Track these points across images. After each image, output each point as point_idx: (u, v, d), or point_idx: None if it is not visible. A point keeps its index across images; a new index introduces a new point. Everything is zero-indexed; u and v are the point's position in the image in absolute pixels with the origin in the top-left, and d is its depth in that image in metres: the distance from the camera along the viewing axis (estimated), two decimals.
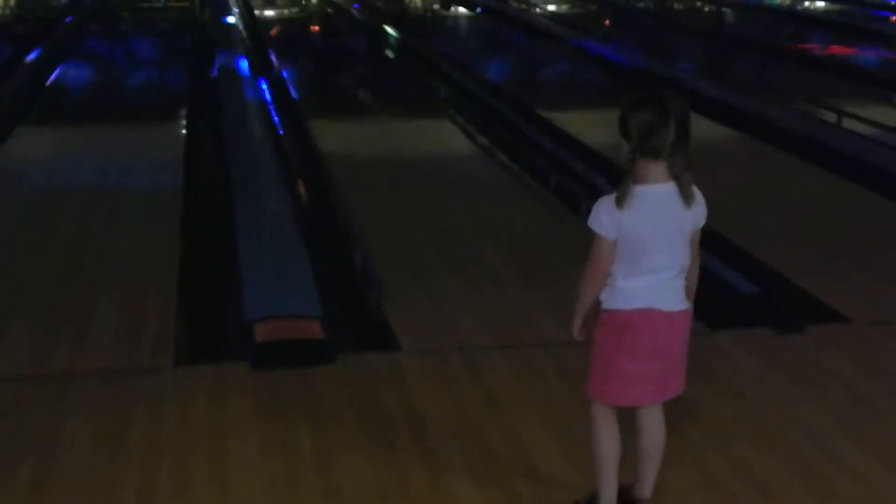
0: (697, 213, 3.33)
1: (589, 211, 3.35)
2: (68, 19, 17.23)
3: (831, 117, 9.54)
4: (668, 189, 3.26)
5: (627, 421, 3.51)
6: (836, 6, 19.91)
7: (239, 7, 18.36)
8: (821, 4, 20.63)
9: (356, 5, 17.69)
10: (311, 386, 4.58)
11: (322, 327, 5.01)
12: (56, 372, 4.78)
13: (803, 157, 8.46)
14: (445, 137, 9.52)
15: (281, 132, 9.46)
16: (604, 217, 3.26)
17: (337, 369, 4.74)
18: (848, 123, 9.32)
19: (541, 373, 4.70)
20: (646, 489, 3.63)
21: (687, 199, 3.27)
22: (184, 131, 9.75)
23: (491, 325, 5.29)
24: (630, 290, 3.32)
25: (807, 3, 20.91)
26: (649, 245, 3.27)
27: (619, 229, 3.25)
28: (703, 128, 9.87)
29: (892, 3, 18.67)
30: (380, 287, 5.64)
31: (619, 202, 3.23)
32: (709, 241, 6.08)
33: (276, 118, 10.05)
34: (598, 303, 3.40)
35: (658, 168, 3.23)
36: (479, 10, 16.73)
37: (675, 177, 3.25)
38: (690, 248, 3.39)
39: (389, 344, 5.12)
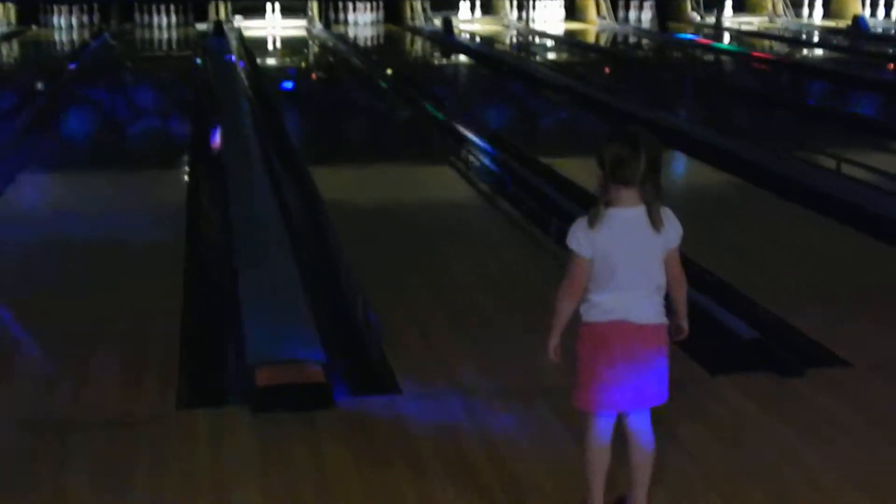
0: (668, 236, 3.55)
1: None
2: (72, 66, 17.38)
3: (830, 164, 9.59)
4: (637, 213, 3.49)
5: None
6: (834, 55, 20.06)
7: (241, 56, 18.52)
8: (819, 52, 20.78)
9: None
10: (312, 430, 4.58)
11: (323, 372, 5.02)
12: (57, 419, 4.77)
13: (803, 204, 8.51)
14: (445, 185, 9.57)
15: (282, 179, 9.50)
16: (580, 236, 3.52)
17: (337, 413, 4.75)
18: (847, 169, 9.36)
19: (539, 415, 4.71)
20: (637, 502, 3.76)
21: (656, 224, 3.50)
22: (186, 178, 9.80)
23: (489, 371, 5.30)
24: (604, 305, 3.56)
25: (805, 52, 21.07)
26: (620, 263, 3.51)
27: (593, 248, 3.51)
28: (703, 174, 9.97)
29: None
30: (380, 333, 5.65)
31: (591, 223, 3.51)
32: (708, 286, 6.23)
33: (277, 165, 10.10)
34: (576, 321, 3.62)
35: (629, 194, 3.48)
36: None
37: (647, 203, 3.48)
38: (669, 268, 3.60)
39: (389, 388, 5.13)
